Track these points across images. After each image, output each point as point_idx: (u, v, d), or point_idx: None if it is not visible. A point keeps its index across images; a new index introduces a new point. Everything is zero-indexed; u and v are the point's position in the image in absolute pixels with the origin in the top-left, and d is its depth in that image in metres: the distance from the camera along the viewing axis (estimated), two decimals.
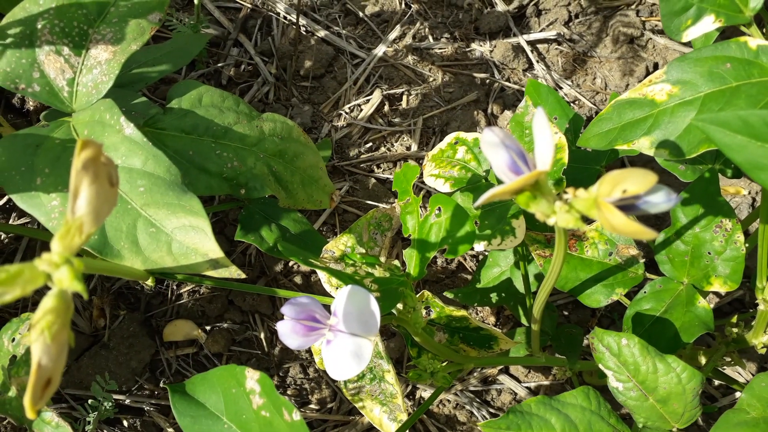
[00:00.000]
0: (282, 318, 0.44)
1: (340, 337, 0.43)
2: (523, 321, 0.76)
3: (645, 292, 0.60)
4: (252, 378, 0.43)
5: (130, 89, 0.74)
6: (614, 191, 0.28)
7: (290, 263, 0.86)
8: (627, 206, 0.29)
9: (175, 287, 0.86)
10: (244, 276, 0.50)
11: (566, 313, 0.87)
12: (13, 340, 0.54)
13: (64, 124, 0.54)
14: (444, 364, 0.54)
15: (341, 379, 0.50)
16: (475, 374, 0.84)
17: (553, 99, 0.76)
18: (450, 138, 0.70)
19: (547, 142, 0.29)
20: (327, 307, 0.46)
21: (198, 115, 0.58)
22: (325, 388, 0.83)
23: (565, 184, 0.59)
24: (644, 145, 0.47)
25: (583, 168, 0.72)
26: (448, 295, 0.78)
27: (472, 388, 0.83)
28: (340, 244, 0.66)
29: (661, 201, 0.29)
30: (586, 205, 0.30)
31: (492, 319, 0.86)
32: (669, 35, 0.50)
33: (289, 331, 0.44)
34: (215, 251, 0.48)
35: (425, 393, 0.83)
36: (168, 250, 0.47)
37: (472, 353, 0.66)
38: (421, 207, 0.57)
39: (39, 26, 0.54)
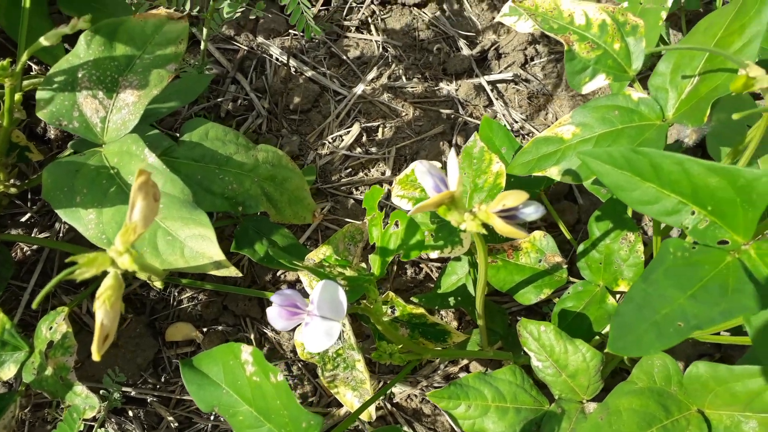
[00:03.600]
0: (271, 305, 0.57)
1: (315, 320, 0.56)
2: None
3: (569, 293, 0.73)
4: (246, 351, 0.56)
5: (144, 123, 0.87)
6: (498, 205, 0.41)
7: (278, 273, 0.98)
8: (510, 216, 0.42)
9: (176, 294, 0.97)
10: (240, 275, 0.62)
11: (519, 318, 1.00)
12: (51, 328, 0.66)
13: (97, 154, 0.67)
14: (400, 346, 0.66)
15: (316, 352, 0.62)
16: (439, 372, 0.96)
17: (503, 133, 0.90)
18: (413, 165, 0.84)
19: (455, 173, 0.42)
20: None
21: (205, 146, 0.72)
22: (307, 384, 0.95)
23: None
24: (554, 172, 0.61)
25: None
26: (414, 300, 0.91)
27: (436, 384, 0.95)
28: (319, 253, 0.79)
29: (531, 212, 0.42)
30: (484, 216, 0.43)
31: (455, 324, 0.99)
32: (573, 88, 0.64)
33: (276, 315, 0.56)
34: (219, 255, 0.60)
35: (395, 389, 0.95)
36: (181, 254, 0.60)
37: (430, 346, 0.78)
38: (384, 221, 0.70)
39: (80, 75, 0.67)
